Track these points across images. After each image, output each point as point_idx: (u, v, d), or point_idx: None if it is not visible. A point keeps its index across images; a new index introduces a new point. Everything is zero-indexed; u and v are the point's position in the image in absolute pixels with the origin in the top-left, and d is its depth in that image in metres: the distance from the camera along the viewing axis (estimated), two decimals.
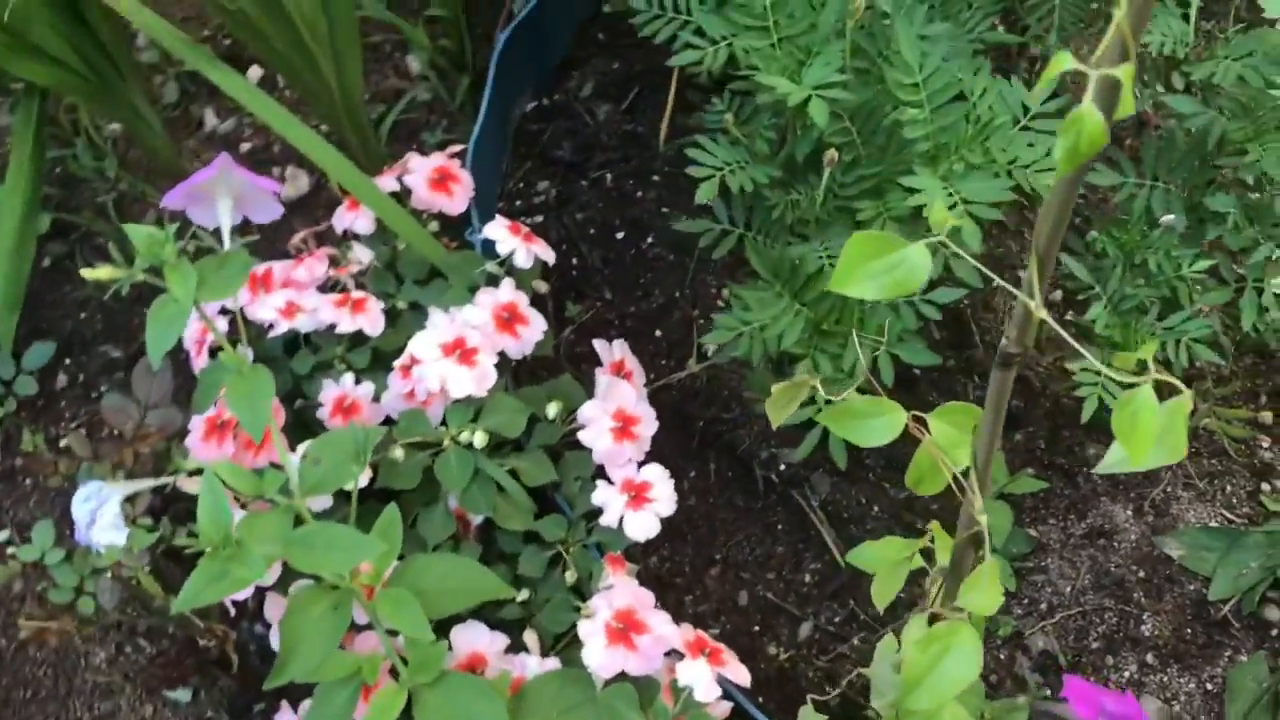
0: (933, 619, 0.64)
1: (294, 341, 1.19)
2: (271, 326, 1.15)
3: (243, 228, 1.00)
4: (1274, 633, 1.15)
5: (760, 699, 1.13)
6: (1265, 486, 1.23)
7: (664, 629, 0.96)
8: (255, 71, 1.57)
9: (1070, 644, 1.15)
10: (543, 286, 1.32)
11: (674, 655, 0.95)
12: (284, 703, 1.06)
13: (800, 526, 1.24)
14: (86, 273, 0.92)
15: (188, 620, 1.01)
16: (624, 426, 1.07)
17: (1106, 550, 1.20)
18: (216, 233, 1.04)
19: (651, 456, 1.26)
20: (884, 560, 0.79)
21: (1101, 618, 1.17)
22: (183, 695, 1.20)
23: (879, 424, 0.65)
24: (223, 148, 1.51)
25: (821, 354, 0.92)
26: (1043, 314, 0.52)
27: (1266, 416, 1.25)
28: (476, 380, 1.04)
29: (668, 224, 1.40)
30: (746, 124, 0.94)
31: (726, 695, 1.01)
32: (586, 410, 1.07)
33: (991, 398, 0.59)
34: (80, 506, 1.00)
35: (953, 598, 0.75)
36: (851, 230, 0.98)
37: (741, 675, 0.95)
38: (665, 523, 1.24)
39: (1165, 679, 1.13)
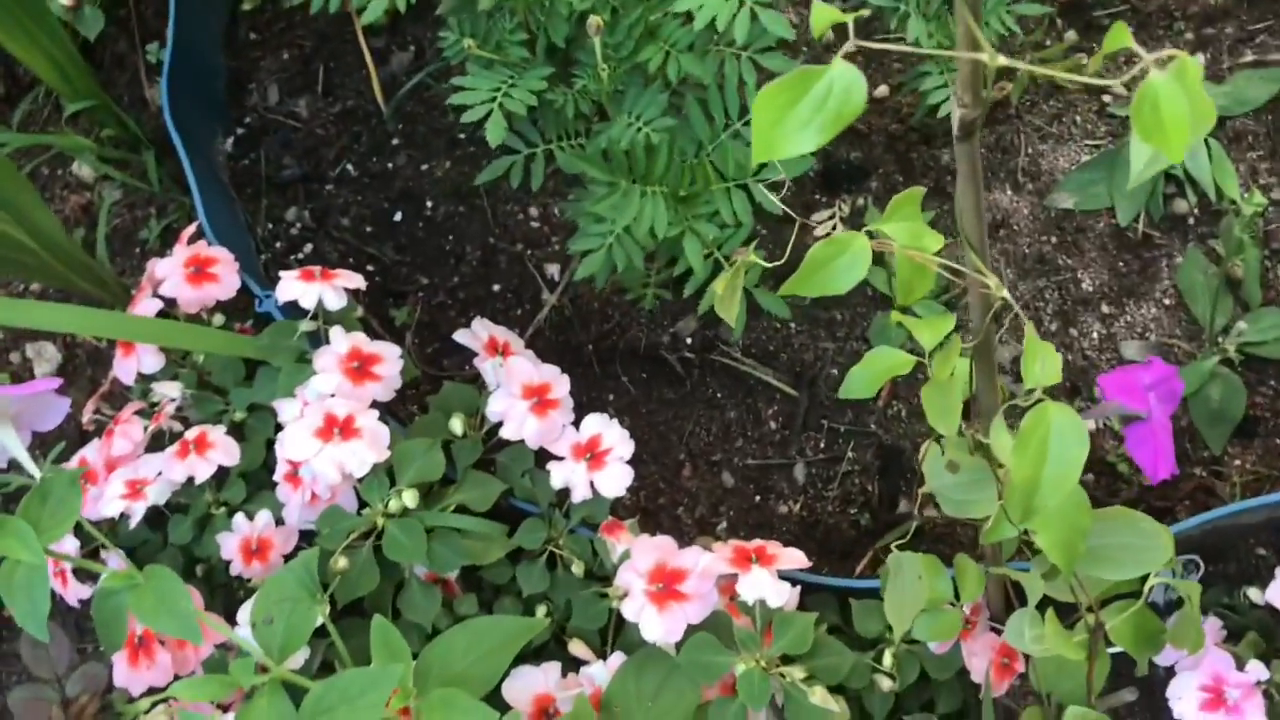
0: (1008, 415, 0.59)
1: (154, 516, 1.04)
2: (125, 517, 1.00)
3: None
4: (1190, 221, 1.15)
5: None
6: (1105, 98, 1.22)
7: (703, 563, 0.89)
8: None
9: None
10: (358, 310, 1.19)
11: (726, 579, 0.89)
12: None
13: (737, 384, 1.18)
14: None
15: None
16: (540, 400, 0.97)
17: (1012, 237, 1.18)
18: (14, 466, 0.89)
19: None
20: (881, 373, 0.73)
21: (1043, 298, 1.15)
22: None
23: (845, 262, 0.57)
24: None
25: (694, 221, 0.84)
26: (1000, 60, 0.45)
27: (1072, 35, 1.24)
28: (371, 447, 0.93)
29: (436, 181, 1.28)
30: (485, 42, 0.83)
31: (789, 579, 0.96)
32: (495, 405, 0.97)
33: (964, 170, 0.52)
34: None
35: (989, 379, 0.70)
36: (648, 88, 0.89)
37: (798, 559, 0.89)
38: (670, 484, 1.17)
39: (1129, 317, 1.13)
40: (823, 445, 1.15)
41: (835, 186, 1.23)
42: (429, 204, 1.28)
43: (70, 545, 1.04)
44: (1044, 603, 0.78)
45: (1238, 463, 1.06)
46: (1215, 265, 1.11)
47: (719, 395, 1.19)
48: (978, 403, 0.72)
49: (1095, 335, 1.13)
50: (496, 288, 1.24)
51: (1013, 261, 1.17)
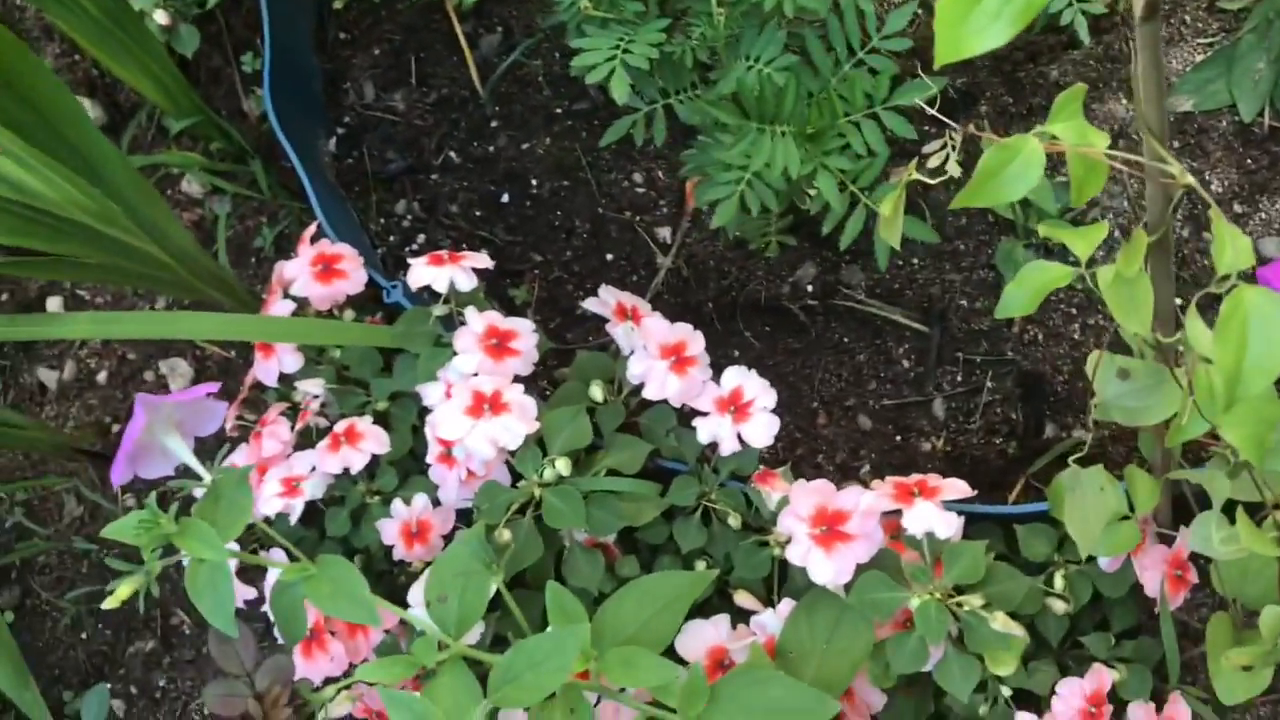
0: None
1: (307, 514, 1.06)
2: (284, 515, 1.02)
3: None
4: None
5: None
6: None
7: (865, 502, 0.89)
8: (53, 302, 1.39)
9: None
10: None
11: (890, 516, 0.88)
12: None
13: (863, 327, 1.17)
14: (109, 602, 0.79)
15: None
16: (678, 359, 0.97)
17: (1133, 148, 1.15)
18: (181, 471, 0.91)
19: None
20: (1039, 288, 0.71)
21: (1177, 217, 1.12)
22: None
23: (1017, 168, 0.56)
24: (84, 396, 1.34)
25: (825, 158, 0.83)
26: None
27: None
28: (521, 419, 0.94)
29: (538, 159, 1.29)
30: (598, 2, 0.83)
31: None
32: (634, 368, 0.97)
33: (1145, 55, 0.51)
34: None
35: (1166, 275, 0.69)
36: (764, 28, 0.88)
37: (961, 489, 0.88)
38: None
39: (1264, 215, 1.10)
40: (960, 378, 1.14)
41: (944, 115, 1.21)
42: (534, 182, 1.28)
43: (230, 548, 1.07)
44: (1227, 506, 0.76)
45: None
46: None
47: (846, 340, 1.18)
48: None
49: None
50: (610, 257, 1.25)
51: (1134, 171, 1.14)
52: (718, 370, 0.99)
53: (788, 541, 0.89)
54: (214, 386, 0.88)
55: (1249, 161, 1.12)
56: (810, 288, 1.19)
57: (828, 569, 0.87)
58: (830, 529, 0.88)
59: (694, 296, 1.22)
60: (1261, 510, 0.77)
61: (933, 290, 1.16)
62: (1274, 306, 0.53)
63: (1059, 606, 0.93)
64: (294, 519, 1.02)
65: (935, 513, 0.86)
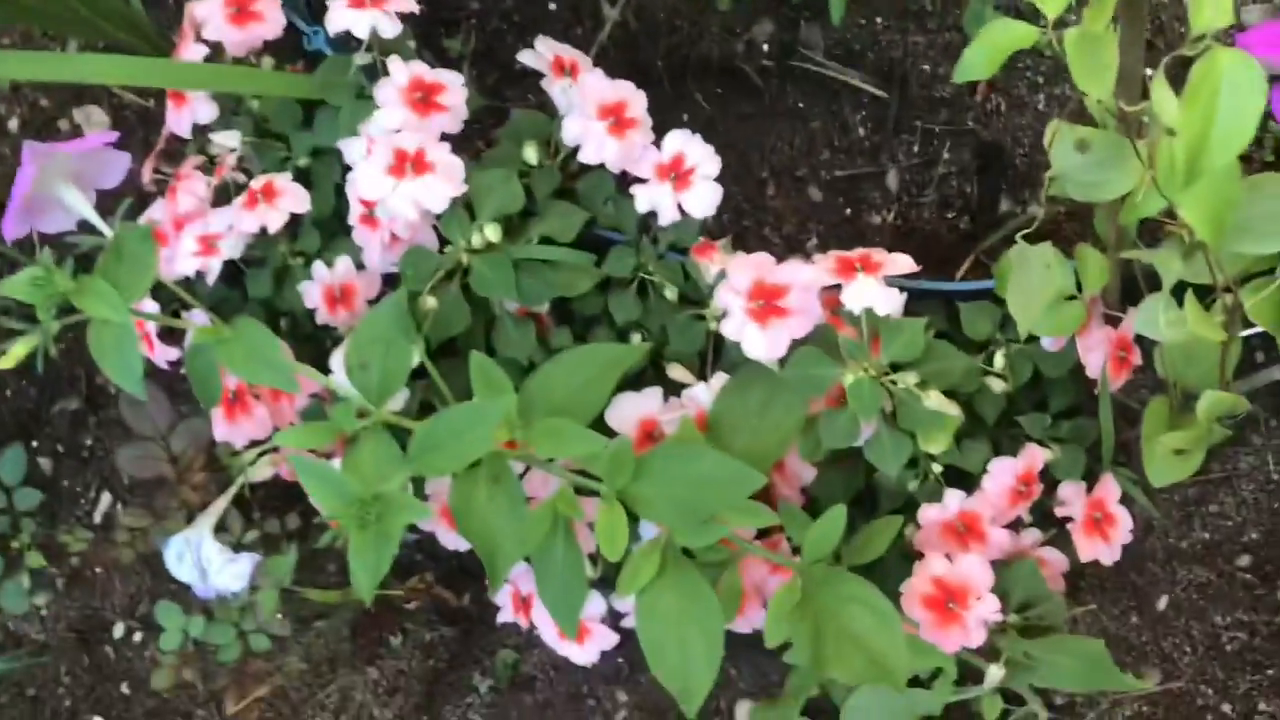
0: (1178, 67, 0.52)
1: (230, 274, 1.02)
2: (202, 276, 0.98)
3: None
4: None
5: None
6: None
7: (804, 275, 0.85)
8: None
9: None
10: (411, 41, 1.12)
11: (831, 290, 0.85)
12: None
13: (820, 91, 1.11)
14: (4, 362, 0.76)
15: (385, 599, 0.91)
16: (617, 120, 0.91)
17: None
18: (83, 227, 0.86)
19: None
20: (1001, 48, 0.65)
21: None
22: (393, 640, 1.13)
23: None
24: None
25: None
26: None
27: None
28: (447, 180, 0.88)
29: None
30: None
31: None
32: (570, 128, 0.91)
33: None
34: (181, 568, 0.88)
35: (1136, 36, 0.63)
36: None
37: (905, 264, 0.85)
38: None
39: None
40: (916, 149, 1.08)
41: None
42: None
43: (150, 307, 1.02)
44: (1177, 288, 0.73)
45: None
46: None
47: (801, 105, 1.12)
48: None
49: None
50: (553, 7, 1.16)
51: None
52: (663, 134, 0.93)
53: (723, 315, 0.86)
54: (112, 136, 0.82)
55: None
56: (766, 47, 1.12)
57: (762, 344, 0.85)
58: (767, 303, 0.85)
59: (642, 54, 1.14)
60: (1211, 294, 0.74)
61: (895, 53, 1.09)
62: (1249, 71, 0.48)
63: (997, 385, 0.91)
64: (211, 279, 0.98)
65: (876, 288, 0.83)
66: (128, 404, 0.92)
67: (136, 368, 0.80)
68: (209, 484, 0.87)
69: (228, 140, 1.00)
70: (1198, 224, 0.62)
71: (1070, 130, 0.68)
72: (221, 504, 0.89)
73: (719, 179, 0.91)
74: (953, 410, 0.82)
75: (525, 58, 0.96)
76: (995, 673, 0.85)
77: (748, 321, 0.85)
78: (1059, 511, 0.92)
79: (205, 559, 0.87)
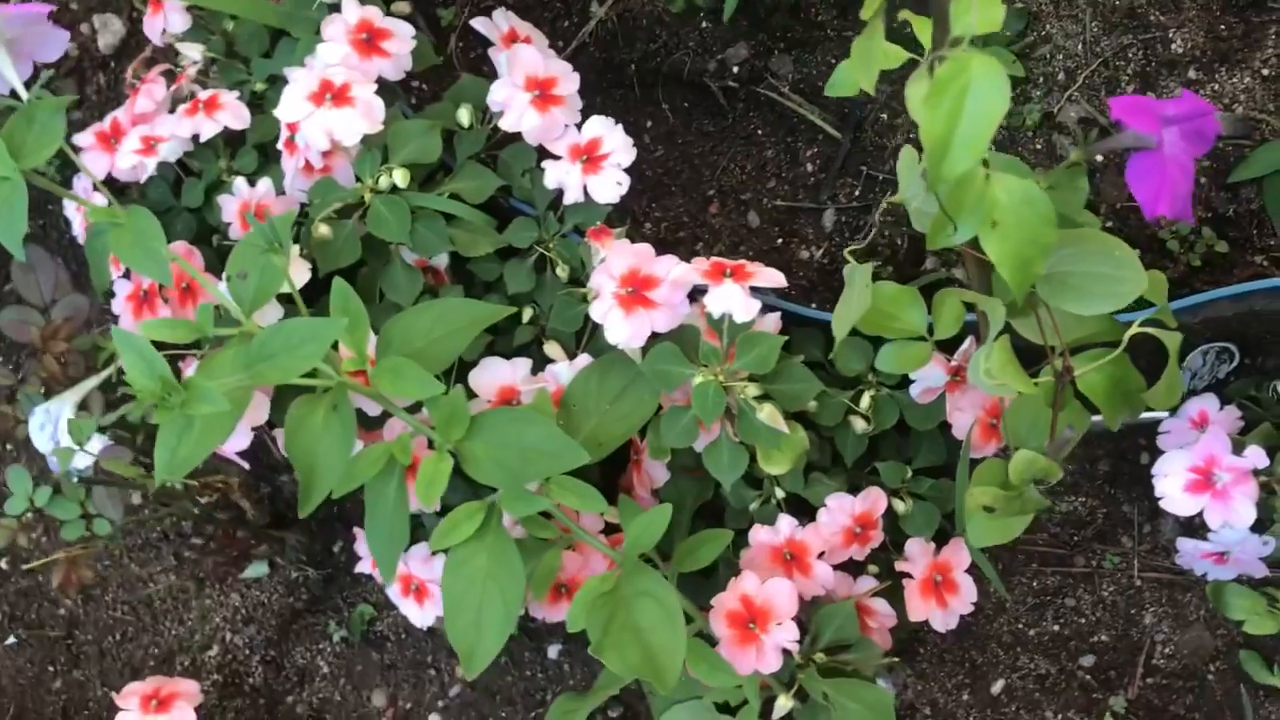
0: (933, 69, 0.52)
1: (180, 183, 1.05)
2: (151, 180, 1.02)
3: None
4: None
5: (813, 304, 1.03)
6: None
7: (675, 272, 0.85)
8: None
9: (1104, 100, 1.03)
10: (406, 8, 1.16)
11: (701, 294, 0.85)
12: (355, 529, 0.98)
13: (780, 121, 1.11)
14: None
15: (193, 489, 0.93)
16: (542, 94, 0.93)
17: None
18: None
19: None
20: (868, 65, 0.66)
21: (1126, 57, 1.04)
22: (259, 570, 1.15)
23: None
24: None
25: None
26: None
27: None
28: (365, 117, 0.91)
29: None
30: None
31: (773, 308, 0.92)
32: (496, 93, 0.93)
33: None
34: (39, 435, 0.91)
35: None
36: None
37: (774, 278, 0.85)
38: (644, 182, 1.13)
39: (1216, 86, 1.01)
40: (857, 193, 1.08)
41: None
42: None
43: (101, 199, 1.07)
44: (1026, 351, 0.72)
45: None
46: None
47: (759, 131, 1.12)
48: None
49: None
50: None
51: (1100, 13, 1.05)
52: (629, 134, 0.94)
53: (595, 298, 0.87)
54: (48, 8, 0.86)
55: (1222, 27, 1.02)
56: (737, 69, 1.13)
57: (623, 330, 0.85)
58: (637, 292, 0.85)
59: (620, 55, 1.16)
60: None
61: (857, 96, 1.09)
62: (997, 76, 0.48)
63: (859, 425, 0.90)
64: (144, 176, 1.01)
65: (738, 295, 0.83)
66: (19, 272, 0.95)
67: (19, 229, 0.83)
68: (79, 360, 0.90)
69: (191, 52, 1.04)
70: (999, 262, 0.61)
71: (913, 154, 0.68)
72: (89, 384, 0.91)
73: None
74: (782, 428, 0.81)
75: (479, 24, 0.99)
76: (784, 703, 0.83)
77: (614, 307, 0.85)
78: (899, 566, 0.90)
79: (58, 433, 0.89)
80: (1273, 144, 0.97)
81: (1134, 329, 0.70)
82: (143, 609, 1.16)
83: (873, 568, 0.93)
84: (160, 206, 1.07)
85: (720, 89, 1.13)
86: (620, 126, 0.94)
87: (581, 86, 1.15)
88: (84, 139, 1.07)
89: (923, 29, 0.70)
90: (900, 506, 0.91)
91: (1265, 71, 1.00)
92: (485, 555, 0.84)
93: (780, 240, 1.09)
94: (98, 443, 0.89)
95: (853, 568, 0.92)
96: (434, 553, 0.90)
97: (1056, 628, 0.96)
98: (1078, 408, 0.75)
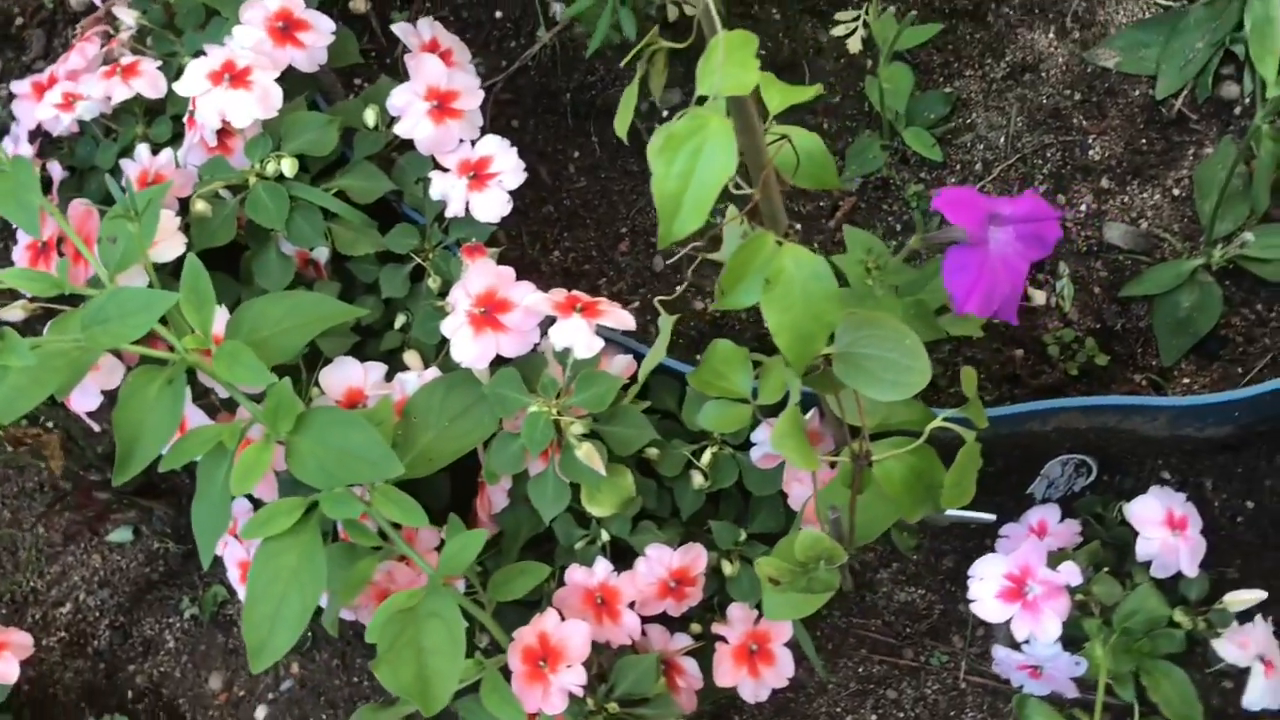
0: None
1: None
2: (83, 137, 1.03)
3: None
4: (1236, 111, 1.00)
5: (696, 356, 1.02)
6: None
7: (530, 299, 0.85)
8: None
9: (1016, 194, 1.02)
10: (362, 6, 1.17)
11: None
12: None
13: None
14: None
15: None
16: (442, 105, 0.94)
17: (1035, 84, 1.05)
18: None
19: (525, 145, 1.13)
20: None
21: (1044, 156, 1.03)
22: (124, 535, 1.15)
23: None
24: None
25: None
26: None
27: None
28: (258, 102, 0.91)
29: None
30: None
31: (632, 352, 0.91)
32: (395, 99, 0.94)
33: None
34: None
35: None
36: None
37: (623, 320, 0.84)
38: (561, 210, 1.13)
39: (1126, 199, 1.00)
40: None
41: None
42: None
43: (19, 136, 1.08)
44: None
45: (1186, 380, 0.94)
46: (1247, 165, 0.96)
47: None
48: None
49: (1084, 208, 1.00)
50: (499, 14, 1.20)
51: (1026, 109, 1.04)
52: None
53: (449, 313, 0.87)
54: None
55: (1142, 141, 1.01)
56: (666, 114, 1.13)
57: (470, 349, 0.85)
58: (489, 313, 0.85)
59: (558, 82, 1.17)
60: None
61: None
62: (725, 138, 0.47)
63: (697, 480, 0.89)
64: (58, 130, 1.03)
65: (582, 331, 0.82)
66: None
67: None
68: None
69: (126, 16, 1.05)
70: (777, 332, 0.60)
71: (733, 213, 0.67)
72: None
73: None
74: (598, 468, 0.80)
75: (399, 29, 1.00)
76: None
77: (465, 325, 0.85)
78: (715, 628, 0.89)
79: None
80: (1169, 264, 0.96)
81: (936, 422, 0.69)
82: (6, 555, 1.16)
83: (695, 627, 0.92)
84: (85, 164, 1.08)
85: (648, 130, 1.13)
86: (514, 149, 0.94)
87: (516, 109, 1.16)
88: (20, 87, 1.09)
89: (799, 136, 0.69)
90: (728, 568, 0.90)
91: (1176, 191, 0.99)
92: (295, 553, 0.84)
93: (679, 288, 1.08)
94: None
95: (676, 624, 0.91)
96: (242, 539, 0.90)
97: (874, 718, 0.94)
98: (875, 494, 0.73)
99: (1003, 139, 1.04)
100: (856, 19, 1.10)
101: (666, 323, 0.72)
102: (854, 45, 1.09)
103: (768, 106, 0.66)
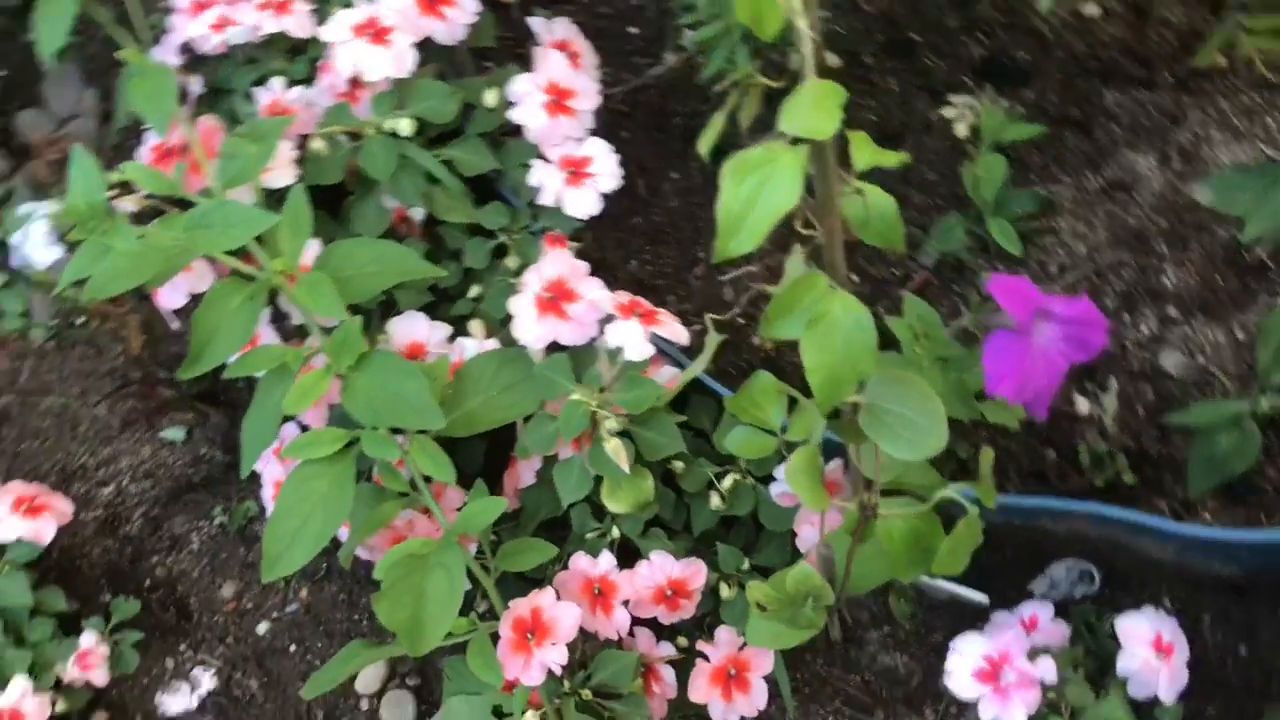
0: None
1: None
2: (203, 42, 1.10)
3: None
4: None
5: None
6: None
7: (596, 294, 0.90)
8: None
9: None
10: None
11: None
12: None
13: None
14: None
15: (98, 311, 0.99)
16: (558, 100, 0.99)
17: (1126, 204, 1.08)
18: None
19: (629, 156, 1.18)
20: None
21: (1118, 274, 1.05)
22: (176, 434, 1.21)
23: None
24: None
25: None
26: None
27: None
28: (392, 61, 0.97)
29: None
30: None
31: (681, 367, 0.95)
32: (516, 86, 0.99)
33: None
34: (14, 225, 0.99)
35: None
36: None
37: (678, 334, 0.88)
38: (650, 225, 1.18)
39: (1189, 331, 1.02)
40: None
41: (991, 77, 1.15)
42: None
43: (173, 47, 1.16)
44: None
45: (1207, 515, 0.96)
46: None
47: None
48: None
49: (1146, 330, 1.02)
50: (634, 30, 1.25)
51: (1113, 225, 1.07)
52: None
53: (520, 292, 0.91)
54: None
55: (1217, 278, 1.03)
56: None
57: (531, 330, 0.90)
58: (556, 299, 0.90)
59: (673, 105, 1.21)
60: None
61: None
62: (794, 169, 0.52)
63: (714, 500, 0.93)
64: (205, 49, 1.09)
65: (637, 334, 0.87)
66: (52, 80, 1.04)
67: (58, 38, 0.91)
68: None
69: None
70: (812, 370, 0.64)
71: (800, 254, 0.71)
72: None
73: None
74: (622, 463, 0.84)
75: (534, 22, 1.05)
76: (531, 715, 0.85)
77: (531, 305, 0.90)
78: (700, 645, 0.92)
79: (30, 230, 0.97)
80: (1217, 403, 0.97)
81: (945, 491, 0.72)
82: (67, 429, 1.23)
83: (682, 640, 0.95)
84: (223, 85, 1.15)
85: None
86: (616, 157, 0.99)
87: (628, 121, 1.21)
88: (181, 1, 1.16)
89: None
90: (725, 592, 0.93)
91: (1239, 334, 1.01)
92: (328, 480, 0.89)
93: (742, 322, 1.12)
94: (60, 251, 0.97)
95: (665, 633, 0.94)
96: (283, 457, 0.95)
97: None
98: (873, 545, 0.76)
99: (1083, 248, 1.07)
100: (968, 106, 1.14)
101: (713, 339, 0.76)
102: (961, 130, 1.13)
103: (854, 161, 0.70)
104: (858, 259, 1.12)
